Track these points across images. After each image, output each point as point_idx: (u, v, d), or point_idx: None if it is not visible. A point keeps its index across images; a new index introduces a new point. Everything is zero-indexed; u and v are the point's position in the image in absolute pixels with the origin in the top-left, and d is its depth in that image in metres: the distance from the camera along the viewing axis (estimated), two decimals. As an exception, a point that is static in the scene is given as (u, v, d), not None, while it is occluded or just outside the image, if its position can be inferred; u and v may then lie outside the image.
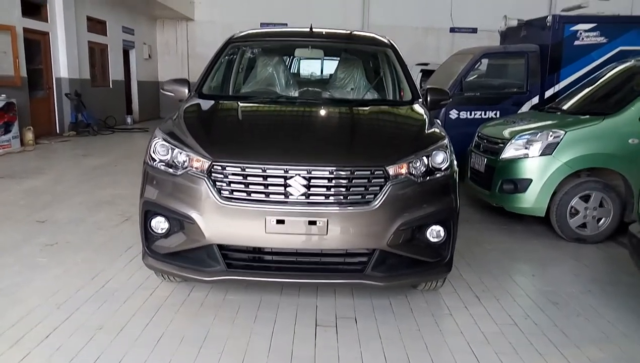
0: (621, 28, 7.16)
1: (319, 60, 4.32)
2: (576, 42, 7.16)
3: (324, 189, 2.76)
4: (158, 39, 17.91)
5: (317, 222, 2.73)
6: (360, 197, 2.77)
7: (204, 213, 2.80)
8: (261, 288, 3.49)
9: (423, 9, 17.30)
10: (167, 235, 2.98)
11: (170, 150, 2.98)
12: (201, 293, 3.46)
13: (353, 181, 2.77)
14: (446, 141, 3.10)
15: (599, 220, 4.82)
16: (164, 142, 3.02)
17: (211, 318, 3.11)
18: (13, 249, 4.19)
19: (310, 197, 2.75)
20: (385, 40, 4.39)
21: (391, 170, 2.80)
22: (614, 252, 4.68)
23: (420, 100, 3.79)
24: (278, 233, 2.76)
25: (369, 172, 2.78)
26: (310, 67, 4.30)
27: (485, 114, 7.23)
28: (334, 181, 2.76)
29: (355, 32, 4.58)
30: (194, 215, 2.82)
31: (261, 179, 2.77)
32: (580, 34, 7.13)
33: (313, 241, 2.78)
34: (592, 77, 5.94)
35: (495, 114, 7.23)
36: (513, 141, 4.99)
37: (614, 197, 4.75)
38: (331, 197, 2.76)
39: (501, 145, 5.13)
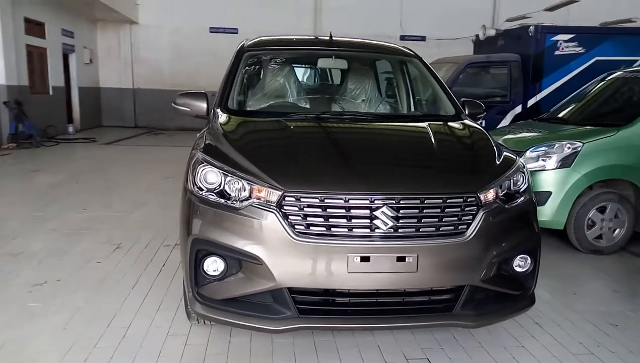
0: (597, 39, 7.37)
1: (343, 71, 3.98)
2: (556, 52, 7.29)
3: (414, 220, 2.44)
4: (99, 43, 16.74)
5: (407, 259, 2.40)
6: (452, 227, 2.47)
7: (274, 252, 2.39)
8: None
9: (374, 16, 17.31)
10: (222, 277, 2.53)
11: (222, 177, 2.55)
12: (243, 338, 3.02)
13: (445, 210, 2.47)
14: (522, 162, 2.88)
15: (613, 231, 4.82)
16: (213, 169, 2.58)
17: (270, 370, 2.70)
18: (-6, 293, 3.54)
19: (399, 230, 2.42)
20: (410, 51, 4.14)
21: (482, 196, 2.53)
22: (631, 263, 4.68)
23: (464, 113, 3.57)
24: (361, 273, 2.41)
25: (461, 200, 2.49)
26: (338, 78, 3.94)
27: (471, 123, 7.18)
28: (425, 211, 2.44)
29: (377, 42, 4.29)
30: (261, 254, 2.40)
31: (343, 210, 2.40)
32: (560, 44, 7.26)
33: (401, 280, 2.45)
34: (585, 87, 5.99)
35: (480, 124, 7.18)
36: (527, 153, 4.88)
37: (628, 208, 4.76)
38: (422, 229, 2.44)
39: (512, 157, 5.02)
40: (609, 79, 5.77)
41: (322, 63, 3.99)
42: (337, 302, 2.55)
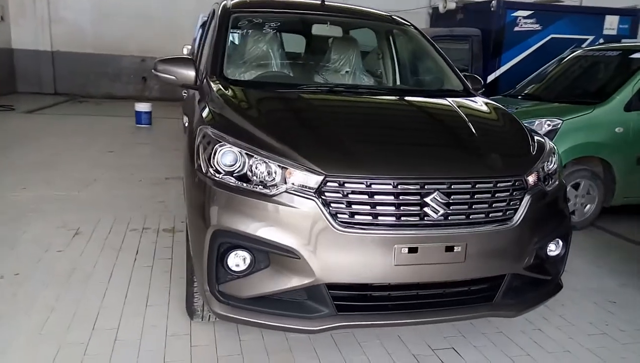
0: (553, 16, 7.50)
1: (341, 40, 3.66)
2: (516, 28, 7.35)
3: (465, 207, 2.24)
4: (10, -1, 14.96)
5: (455, 248, 2.22)
6: (501, 213, 2.31)
7: (313, 244, 2.11)
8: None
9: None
10: (249, 273, 2.22)
11: (245, 158, 2.20)
12: (254, 335, 2.73)
13: (496, 195, 2.29)
14: (552, 143, 2.76)
15: (585, 207, 4.95)
16: (232, 148, 2.23)
17: (295, 372, 2.45)
18: (-60, 293, 2.97)
19: (449, 218, 2.21)
20: (406, 20, 3.90)
21: (528, 179, 2.39)
22: (602, 238, 4.84)
23: (471, 89, 3.42)
24: (408, 265, 2.19)
25: (510, 183, 2.33)
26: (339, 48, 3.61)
27: (433, 98, 7.13)
28: (476, 196, 2.25)
29: (373, 10, 3.98)
30: (299, 247, 2.11)
31: (392, 197, 2.15)
32: (520, 20, 7.32)
33: (448, 271, 2.27)
34: (551, 63, 6.06)
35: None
36: (507, 130, 4.85)
37: (599, 184, 4.90)
38: (472, 216, 2.26)
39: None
40: (576, 56, 5.86)
41: (316, 29, 3.64)
42: (377, 297, 2.33)
